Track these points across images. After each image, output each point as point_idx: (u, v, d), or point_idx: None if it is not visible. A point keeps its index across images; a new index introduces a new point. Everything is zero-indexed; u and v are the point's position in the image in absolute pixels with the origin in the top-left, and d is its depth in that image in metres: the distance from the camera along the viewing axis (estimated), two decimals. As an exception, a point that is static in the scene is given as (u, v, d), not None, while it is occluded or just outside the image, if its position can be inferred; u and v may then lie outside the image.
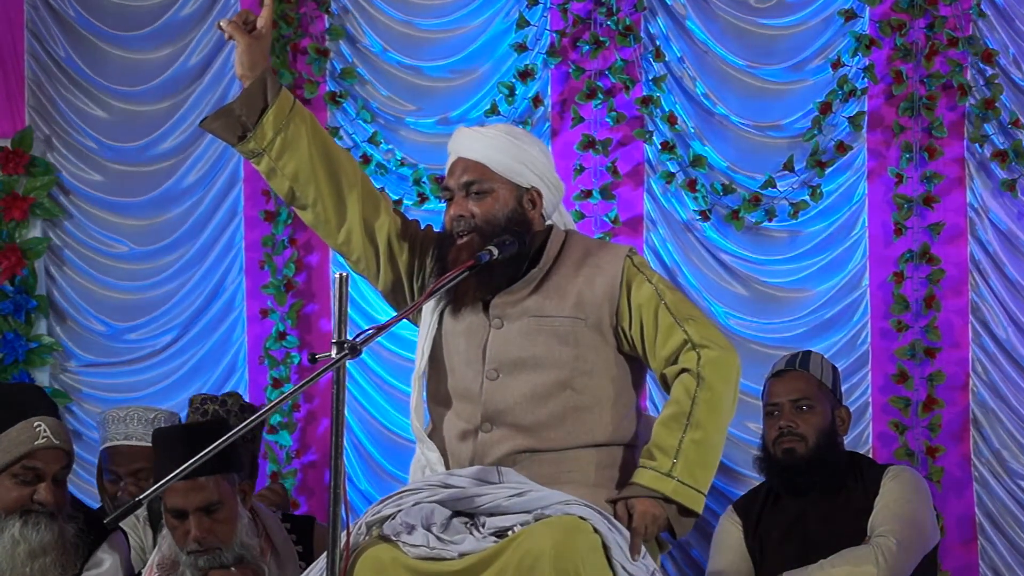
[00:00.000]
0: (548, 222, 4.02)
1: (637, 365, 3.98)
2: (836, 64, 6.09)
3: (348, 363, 3.45)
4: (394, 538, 3.71)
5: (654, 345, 3.87)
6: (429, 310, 3.99)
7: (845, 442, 5.20)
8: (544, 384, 3.86)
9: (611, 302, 3.89)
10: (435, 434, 3.96)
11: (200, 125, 4.04)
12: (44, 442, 4.34)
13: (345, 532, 3.66)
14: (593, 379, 3.88)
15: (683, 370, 3.84)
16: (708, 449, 3.83)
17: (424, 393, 3.98)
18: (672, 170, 6.25)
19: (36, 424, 4.35)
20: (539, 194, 3.96)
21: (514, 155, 3.93)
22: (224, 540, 4.17)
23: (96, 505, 5.31)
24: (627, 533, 3.74)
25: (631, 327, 3.88)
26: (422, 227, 4.09)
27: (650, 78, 6.28)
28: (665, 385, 3.90)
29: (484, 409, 3.87)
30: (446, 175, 4.01)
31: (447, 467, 3.92)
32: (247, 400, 5.20)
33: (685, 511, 3.81)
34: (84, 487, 6.50)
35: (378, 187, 4.26)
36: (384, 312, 6.38)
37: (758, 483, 5.22)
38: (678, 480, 3.78)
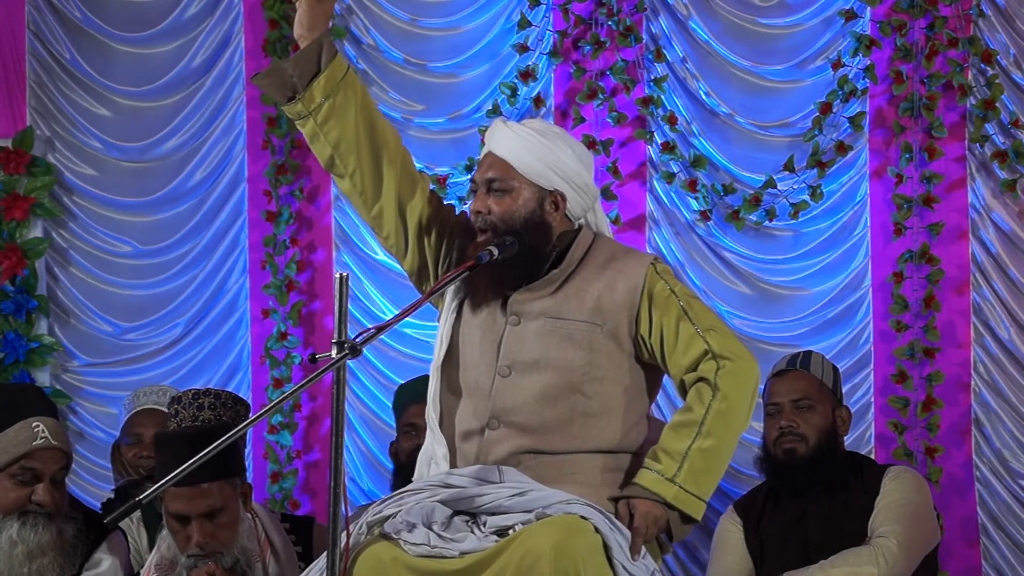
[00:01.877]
0: (579, 223, 4.01)
1: (652, 375, 3.96)
2: (836, 64, 6.09)
3: (352, 362, 3.45)
4: (395, 536, 3.71)
5: (674, 354, 3.85)
6: (449, 299, 4.00)
7: (846, 442, 5.20)
8: (554, 386, 3.85)
9: (630, 309, 3.88)
10: (445, 427, 3.96)
11: (251, 80, 4.08)
12: (42, 442, 4.34)
13: (345, 532, 3.67)
14: (605, 386, 3.87)
15: (701, 379, 3.83)
16: (715, 458, 3.82)
17: (439, 384, 3.99)
18: (673, 170, 6.25)
19: (34, 424, 4.35)
20: (563, 197, 3.94)
21: (540, 156, 3.92)
22: (225, 544, 4.18)
23: (96, 506, 5.32)
24: (628, 533, 3.74)
25: (651, 335, 3.87)
26: (456, 213, 4.09)
27: (651, 78, 6.28)
28: (683, 391, 3.89)
29: (493, 406, 3.86)
30: (477, 167, 4.03)
31: (452, 463, 3.92)
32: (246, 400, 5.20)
33: (685, 517, 3.81)
34: (86, 487, 6.51)
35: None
36: (387, 311, 6.39)
37: (759, 483, 5.23)
38: (680, 486, 3.78)
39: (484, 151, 4.01)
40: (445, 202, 4.13)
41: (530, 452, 3.84)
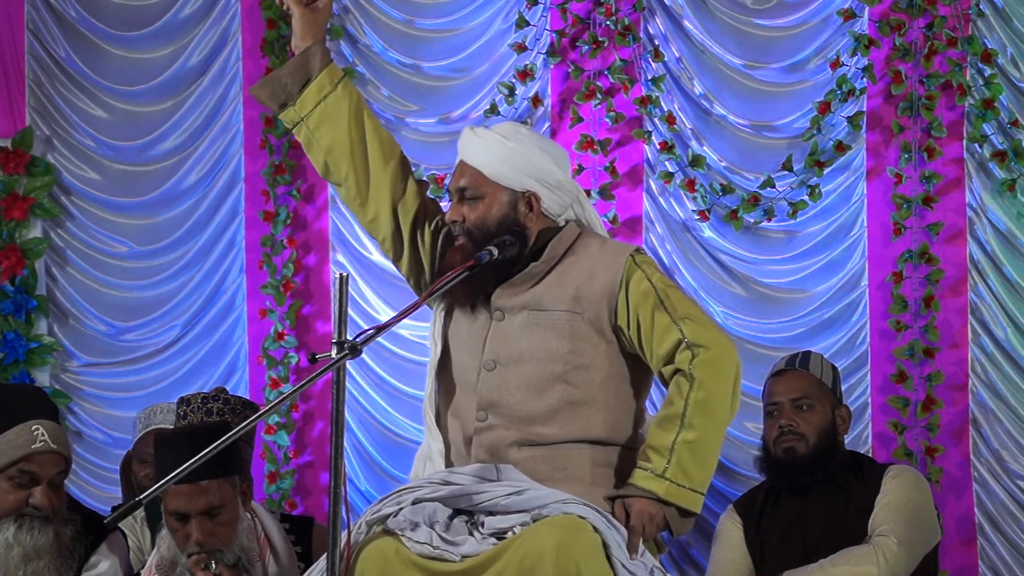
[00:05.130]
0: (562, 220, 4.03)
1: (641, 367, 3.97)
2: (835, 64, 6.09)
3: (348, 363, 3.46)
4: (398, 532, 3.73)
5: (651, 343, 3.87)
6: (439, 300, 4.02)
7: (845, 442, 5.20)
8: (539, 376, 3.87)
9: (610, 299, 3.89)
10: (439, 423, 4.00)
11: (249, 91, 4.14)
12: (41, 446, 4.34)
13: (346, 532, 3.67)
14: (589, 374, 3.89)
15: (677, 370, 3.84)
16: (703, 449, 3.83)
17: (435, 384, 4.02)
18: (671, 170, 6.25)
19: (34, 427, 4.35)
20: (536, 198, 3.97)
21: (508, 160, 3.95)
22: (225, 542, 4.18)
23: (98, 507, 5.31)
24: (626, 531, 3.75)
25: (629, 326, 3.89)
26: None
27: (649, 78, 6.28)
28: (664, 383, 3.91)
29: (479, 399, 3.89)
30: (451, 177, 4.06)
31: (447, 458, 3.95)
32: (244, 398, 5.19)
33: (683, 511, 3.82)
34: (84, 487, 6.51)
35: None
36: (381, 312, 6.39)
37: (758, 483, 5.23)
38: (671, 481, 3.79)
39: (457, 160, 4.05)
40: (441, 204, 4.15)
41: (518, 444, 3.85)
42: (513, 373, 3.88)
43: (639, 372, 3.98)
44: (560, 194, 4.00)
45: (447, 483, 3.81)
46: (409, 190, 4.09)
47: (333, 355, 3.43)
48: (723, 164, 6.23)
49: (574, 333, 3.89)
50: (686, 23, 6.28)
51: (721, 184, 6.19)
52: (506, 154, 3.95)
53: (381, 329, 3.62)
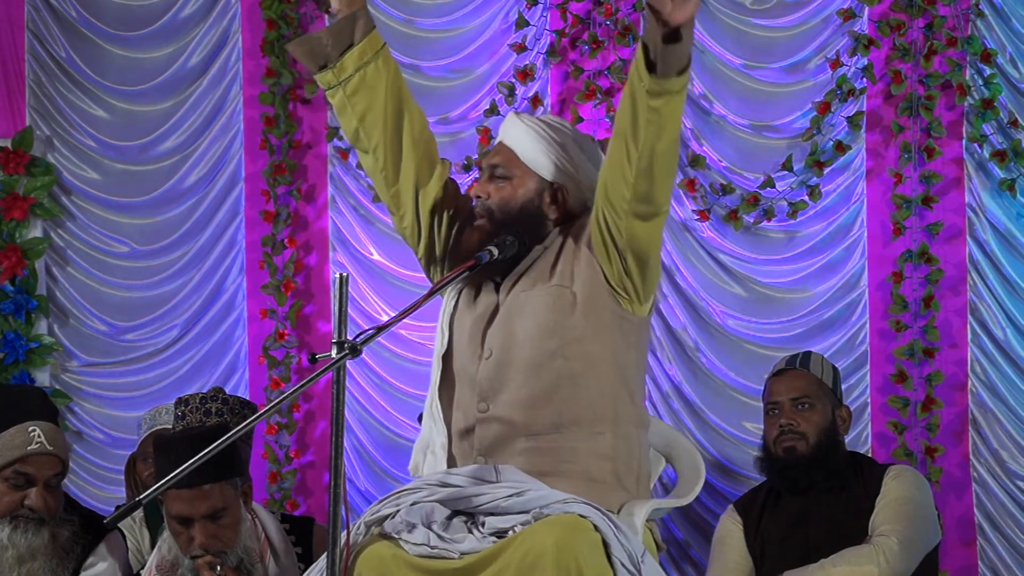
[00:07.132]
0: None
1: (639, 338, 3.96)
2: (835, 64, 6.09)
3: (348, 362, 3.46)
4: (395, 535, 3.73)
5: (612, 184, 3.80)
6: (449, 291, 4.04)
7: (845, 442, 5.21)
8: (535, 355, 3.87)
9: (596, 256, 3.88)
10: (444, 417, 4.00)
11: (286, 46, 4.15)
12: (37, 447, 4.35)
13: (345, 532, 3.68)
14: (583, 345, 3.88)
15: None
16: None
17: (439, 375, 4.02)
18: (670, 170, 6.24)
19: (31, 429, 4.36)
20: (565, 191, 3.98)
21: (544, 148, 3.96)
22: (228, 545, 4.19)
23: (96, 506, 5.31)
24: (626, 531, 3.74)
25: (603, 231, 3.84)
26: (472, 204, 4.13)
27: (649, 78, 6.27)
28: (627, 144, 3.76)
29: (480, 389, 3.90)
30: (488, 154, 4.09)
31: (449, 450, 3.95)
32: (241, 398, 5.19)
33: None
34: (85, 487, 6.51)
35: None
36: (381, 312, 6.39)
37: (758, 483, 5.23)
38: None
39: (496, 141, 4.08)
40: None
41: (522, 435, 3.85)
42: (510, 356, 3.89)
43: (637, 343, 3.97)
44: (589, 194, 4.00)
45: (445, 485, 3.81)
46: (435, 171, 4.10)
47: (333, 355, 3.43)
48: (723, 164, 6.22)
49: (564, 306, 3.89)
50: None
51: (721, 184, 6.19)
52: (542, 141, 3.97)
53: (381, 329, 3.62)
